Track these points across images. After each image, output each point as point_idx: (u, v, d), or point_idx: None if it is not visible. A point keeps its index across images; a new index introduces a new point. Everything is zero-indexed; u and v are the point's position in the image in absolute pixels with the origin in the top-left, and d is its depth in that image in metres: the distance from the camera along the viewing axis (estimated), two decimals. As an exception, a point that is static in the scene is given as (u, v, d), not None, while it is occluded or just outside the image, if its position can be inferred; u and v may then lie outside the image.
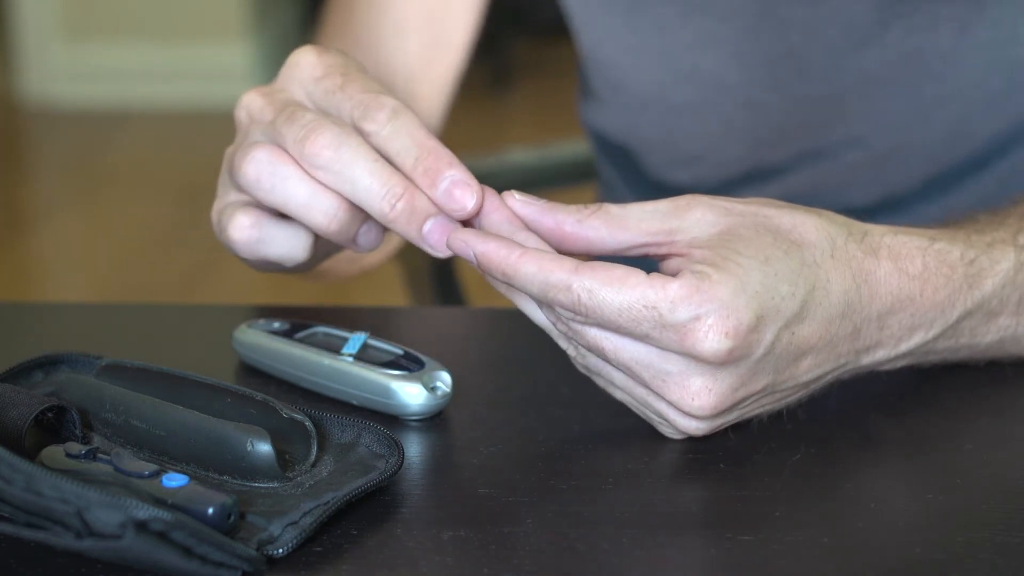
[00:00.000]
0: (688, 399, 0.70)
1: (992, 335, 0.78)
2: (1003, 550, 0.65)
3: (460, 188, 0.73)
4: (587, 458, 0.72)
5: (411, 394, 0.75)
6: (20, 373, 0.75)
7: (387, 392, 0.75)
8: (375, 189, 0.73)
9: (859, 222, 0.74)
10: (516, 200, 0.73)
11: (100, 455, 0.66)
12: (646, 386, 0.71)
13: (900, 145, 1.05)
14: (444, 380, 0.76)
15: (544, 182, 1.39)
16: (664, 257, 0.72)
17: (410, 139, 0.74)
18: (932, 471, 0.72)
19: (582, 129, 1.19)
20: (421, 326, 0.96)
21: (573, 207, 0.72)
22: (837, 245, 0.72)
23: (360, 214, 0.76)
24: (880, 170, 1.06)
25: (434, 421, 0.76)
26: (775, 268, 0.69)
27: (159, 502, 0.63)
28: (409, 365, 0.76)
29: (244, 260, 0.80)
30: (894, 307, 0.73)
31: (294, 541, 0.64)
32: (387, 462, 0.69)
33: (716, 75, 1.06)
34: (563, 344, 0.73)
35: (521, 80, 4.32)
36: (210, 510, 0.63)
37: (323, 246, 0.83)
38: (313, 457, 0.69)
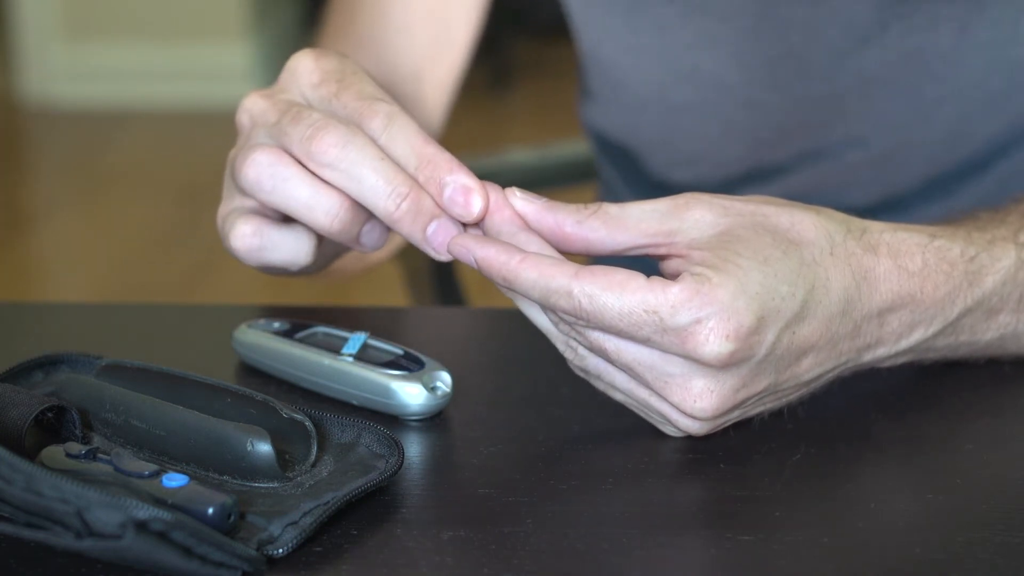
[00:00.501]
0: (690, 401, 0.70)
1: (992, 332, 0.78)
2: (1003, 550, 0.65)
3: (466, 193, 0.73)
4: (587, 458, 0.72)
5: (411, 394, 0.75)
6: (20, 373, 0.75)
7: (387, 392, 0.75)
8: (380, 188, 0.73)
9: (858, 219, 0.74)
10: (517, 198, 0.73)
11: (100, 455, 0.66)
12: (648, 387, 0.71)
13: (900, 145, 1.05)
14: (444, 380, 0.76)
15: (544, 182, 1.39)
16: (664, 257, 0.72)
17: (408, 147, 0.74)
18: (932, 471, 0.72)
19: (582, 129, 1.19)
20: (421, 326, 0.96)
21: (573, 206, 0.72)
22: (836, 242, 0.72)
23: (362, 213, 0.76)
24: (880, 170, 1.06)
25: (434, 421, 0.76)
26: (774, 269, 0.69)
27: (159, 502, 0.63)
28: (409, 365, 0.76)
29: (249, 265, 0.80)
30: (894, 304, 0.73)
31: (294, 541, 0.64)
32: (387, 462, 0.69)
33: (716, 75, 1.06)
34: (561, 348, 0.73)
35: (521, 80, 4.32)
36: (210, 510, 0.63)
37: (329, 249, 0.83)
38: (313, 457, 0.69)
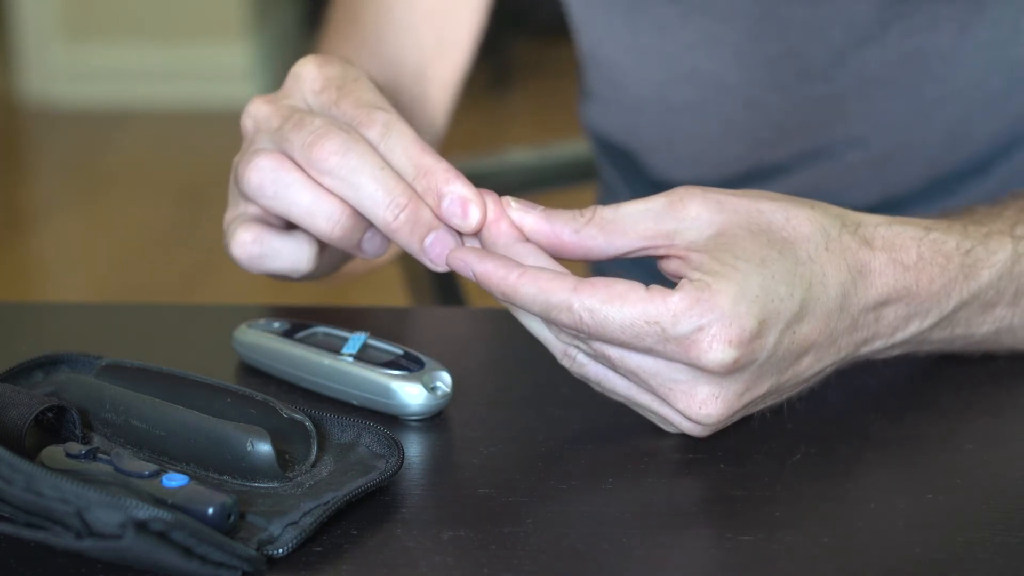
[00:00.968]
0: (695, 407, 0.70)
1: (988, 326, 0.78)
2: (1003, 550, 0.65)
3: (464, 204, 0.73)
4: (587, 458, 0.72)
5: (411, 394, 0.75)
6: (20, 373, 0.75)
7: (387, 392, 0.75)
8: (379, 197, 0.74)
9: (854, 212, 0.73)
10: (514, 209, 0.73)
11: (100, 455, 0.66)
12: (652, 392, 0.71)
13: (900, 145, 1.05)
14: (444, 380, 0.76)
15: (544, 182, 1.39)
16: (663, 257, 0.72)
17: (405, 156, 0.74)
18: (932, 471, 0.72)
19: (582, 129, 1.19)
20: (421, 326, 0.96)
21: (569, 214, 0.72)
22: (831, 237, 0.72)
23: (363, 221, 0.76)
24: (880, 170, 1.06)
25: (434, 421, 0.76)
26: (772, 270, 0.69)
27: (159, 502, 0.63)
28: (409, 365, 0.76)
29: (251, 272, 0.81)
30: (890, 297, 0.73)
31: (294, 541, 0.64)
32: (387, 462, 0.69)
33: (716, 75, 1.06)
34: (559, 356, 0.73)
35: (521, 80, 4.32)
36: (210, 510, 0.63)
37: (332, 257, 0.83)
38: (313, 457, 0.69)
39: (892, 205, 1.06)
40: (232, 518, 0.63)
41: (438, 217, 0.73)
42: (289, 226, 0.79)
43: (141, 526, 0.59)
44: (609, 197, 1.17)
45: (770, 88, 1.05)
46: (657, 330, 0.68)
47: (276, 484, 0.67)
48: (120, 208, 3.45)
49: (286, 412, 0.69)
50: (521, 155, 1.42)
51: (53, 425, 0.70)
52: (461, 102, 1.12)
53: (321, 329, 0.80)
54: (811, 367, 0.72)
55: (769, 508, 0.68)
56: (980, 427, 0.77)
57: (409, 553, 0.64)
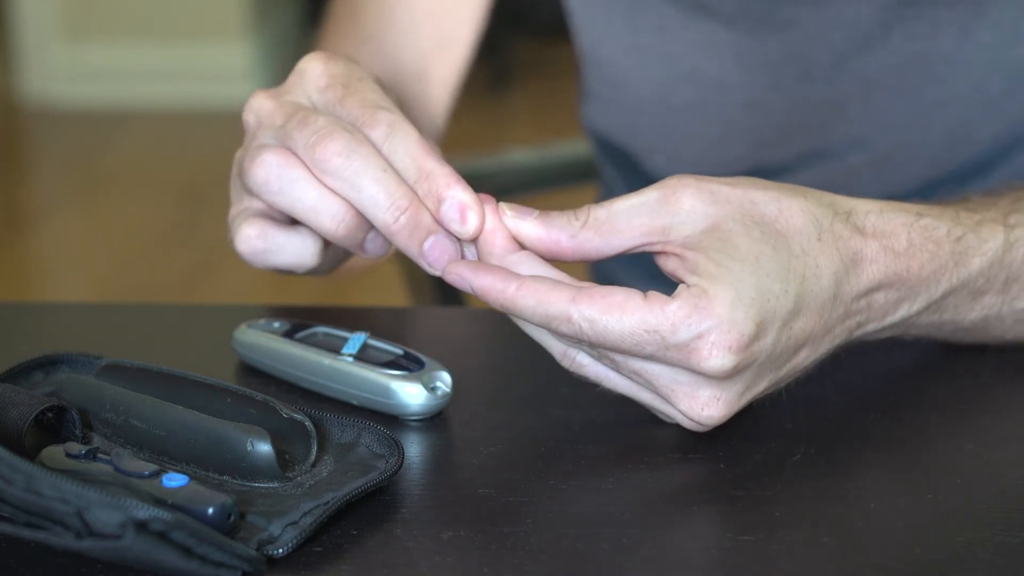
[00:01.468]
0: (698, 409, 0.70)
1: (976, 313, 0.78)
2: (1003, 550, 0.65)
3: (462, 210, 0.73)
4: (587, 458, 0.72)
5: (411, 394, 0.75)
6: (20, 373, 0.75)
7: (387, 392, 0.75)
8: (380, 200, 0.74)
9: (845, 199, 0.73)
10: (509, 217, 0.73)
11: (100, 455, 0.66)
12: (654, 391, 0.71)
13: (901, 147, 1.05)
14: (444, 380, 0.76)
15: (544, 182, 1.38)
16: (659, 254, 0.72)
17: (408, 158, 0.74)
18: (932, 471, 0.72)
19: (582, 129, 1.19)
20: (421, 326, 0.96)
21: (564, 217, 0.72)
22: (823, 227, 0.72)
23: (367, 220, 0.76)
24: (881, 171, 1.06)
25: (434, 421, 0.76)
26: (766, 268, 0.69)
27: (159, 502, 0.63)
28: (409, 365, 0.76)
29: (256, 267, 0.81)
30: (882, 283, 0.73)
31: (294, 541, 0.64)
32: (387, 462, 0.69)
33: (717, 76, 1.06)
34: (559, 358, 0.73)
35: (521, 80, 4.32)
36: (210, 510, 0.63)
37: (335, 252, 0.83)
38: (313, 457, 0.69)
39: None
40: (232, 518, 0.63)
41: (437, 221, 0.73)
42: (293, 221, 0.79)
43: (141, 526, 0.59)
44: (609, 197, 1.17)
45: (771, 89, 1.05)
46: (657, 338, 0.68)
47: (276, 484, 0.67)
48: (120, 208, 3.45)
49: (286, 412, 0.69)
50: (521, 155, 1.42)
51: (53, 425, 0.70)
52: (461, 102, 1.12)
53: (321, 329, 0.80)
54: (808, 358, 0.73)
55: (769, 508, 0.68)
56: (980, 427, 0.77)
57: (409, 553, 0.64)
